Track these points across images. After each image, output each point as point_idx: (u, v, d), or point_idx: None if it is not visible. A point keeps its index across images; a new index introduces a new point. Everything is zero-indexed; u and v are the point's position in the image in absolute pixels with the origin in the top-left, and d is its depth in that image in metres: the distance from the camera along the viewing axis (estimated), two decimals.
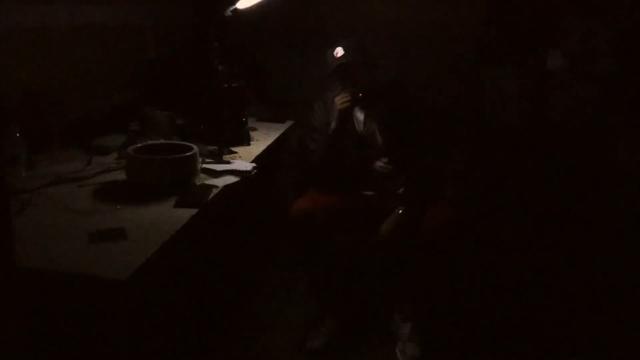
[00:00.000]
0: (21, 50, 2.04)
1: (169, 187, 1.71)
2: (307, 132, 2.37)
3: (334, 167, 2.27)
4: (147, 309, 1.60)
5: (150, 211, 1.59)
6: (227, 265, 2.67)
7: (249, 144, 2.41)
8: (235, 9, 2.38)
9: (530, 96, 3.08)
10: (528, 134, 3.07)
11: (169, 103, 2.44)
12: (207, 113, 2.38)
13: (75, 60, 2.31)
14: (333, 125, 2.21)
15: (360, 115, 2.28)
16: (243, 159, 2.16)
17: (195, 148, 1.82)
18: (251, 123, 2.68)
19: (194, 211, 1.60)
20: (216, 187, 1.82)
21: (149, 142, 1.91)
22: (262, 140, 2.51)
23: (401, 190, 2.21)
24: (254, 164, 2.08)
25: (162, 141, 2.00)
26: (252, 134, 2.56)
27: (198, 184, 1.83)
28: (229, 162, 2.08)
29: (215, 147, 2.19)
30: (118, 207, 1.60)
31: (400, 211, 2.09)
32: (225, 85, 2.38)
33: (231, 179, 1.91)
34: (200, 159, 1.88)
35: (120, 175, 1.86)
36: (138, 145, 1.83)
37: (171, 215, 1.56)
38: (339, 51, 2.17)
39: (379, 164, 2.28)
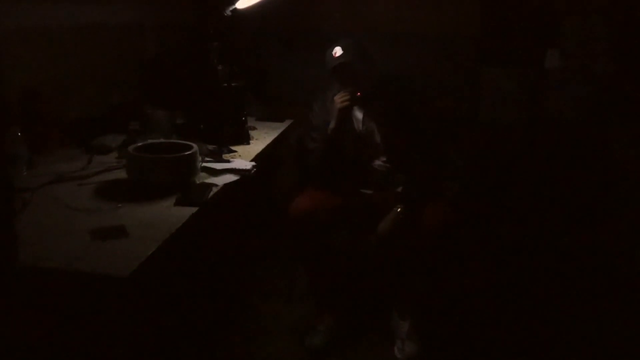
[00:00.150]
0: (21, 50, 2.04)
1: (169, 186, 1.72)
2: (306, 131, 2.38)
3: (333, 166, 2.28)
4: (148, 307, 1.61)
5: (150, 209, 1.60)
6: (227, 264, 2.68)
7: (248, 143, 2.41)
8: (235, 8, 2.39)
9: (528, 95, 3.09)
10: (527, 133, 3.08)
11: (169, 102, 2.45)
12: (207, 112, 2.39)
13: (75, 60, 2.32)
14: (332, 124, 2.22)
15: (359, 115, 2.28)
16: (242, 158, 2.17)
17: (195, 147, 1.83)
18: (250, 122, 2.68)
19: (194, 209, 1.61)
20: (216, 185, 1.83)
21: (150, 141, 1.91)
22: (261, 139, 2.52)
23: (400, 189, 2.22)
24: (253, 163, 2.08)
25: (162, 140, 2.01)
26: (252, 133, 2.56)
27: (198, 182, 1.83)
28: (228, 161, 2.08)
29: (215, 146, 2.20)
30: (119, 205, 1.61)
31: (399, 210, 2.11)
32: (225, 84, 2.39)
33: (231, 178, 1.92)
34: (200, 158, 1.88)
35: (121, 174, 1.86)
36: (138, 144, 1.84)
37: (171, 214, 1.57)
38: (338, 51, 2.18)
39: (378, 162, 2.29)
